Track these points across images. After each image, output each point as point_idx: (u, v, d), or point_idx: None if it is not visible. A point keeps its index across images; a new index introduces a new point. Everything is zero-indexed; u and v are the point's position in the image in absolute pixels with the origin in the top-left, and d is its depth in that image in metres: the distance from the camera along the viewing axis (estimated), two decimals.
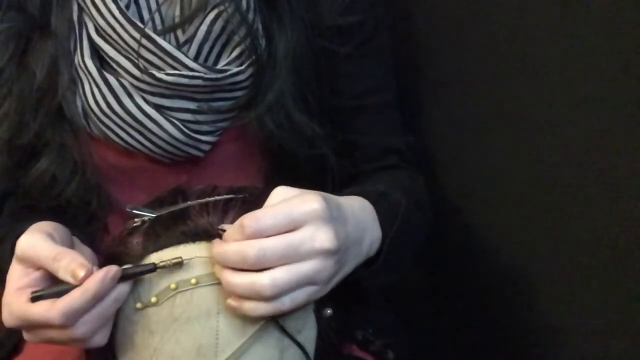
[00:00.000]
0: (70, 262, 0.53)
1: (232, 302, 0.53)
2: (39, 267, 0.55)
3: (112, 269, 0.53)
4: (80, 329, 0.53)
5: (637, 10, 0.56)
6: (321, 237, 0.52)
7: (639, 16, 0.56)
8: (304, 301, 0.53)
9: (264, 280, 0.51)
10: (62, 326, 0.52)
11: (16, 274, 0.56)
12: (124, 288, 0.55)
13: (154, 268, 0.54)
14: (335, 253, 0.53)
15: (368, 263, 0.63)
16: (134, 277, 0.55)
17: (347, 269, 0.58)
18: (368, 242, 0.62)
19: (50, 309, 0.52)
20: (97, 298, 0.52)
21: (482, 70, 0.78)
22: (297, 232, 0.52)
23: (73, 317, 0.52)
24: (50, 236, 0.57)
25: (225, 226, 0.55)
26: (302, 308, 0.55)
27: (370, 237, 0.62)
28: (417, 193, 0.78)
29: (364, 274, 0.63)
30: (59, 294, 0.53)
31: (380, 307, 0.85)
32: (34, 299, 0.53)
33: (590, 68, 0.62)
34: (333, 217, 0.54)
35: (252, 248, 0.51)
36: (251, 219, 0.52)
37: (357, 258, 0.60)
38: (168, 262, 0.54)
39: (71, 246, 0.59)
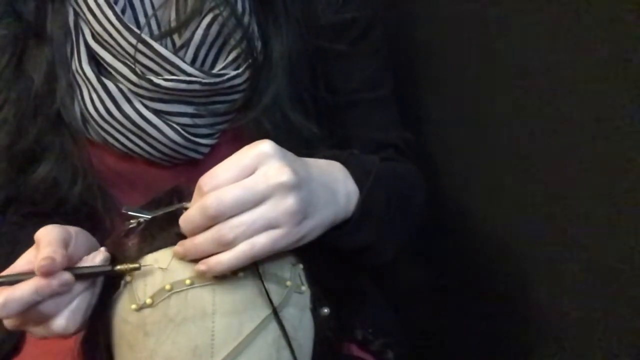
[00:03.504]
0: (42, 253, 0.52)
1: (200, 265, 0.53)
2: None
3: (63, 276, 0.52)
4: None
5: (637, 10, 0.56)
6: (274, 172, 0.52)
7: (637, 15, 0.56)
8: (268, 246, 0.52)
9: (223, 225, 0.51)
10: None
11: (21, 260, 0.55)
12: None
13: (110, 270, 0.55)
14: (294, 187, 0.52)
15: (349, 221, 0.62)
16: (90, 277, 0.55)
17: (322, 215, 0.57)
18: (343, 192, 0.61)
19: None
20: (40, 296, 0.51)
21: (482, 68, 0.78)
22: (251, 176, 0.52)
23: (10, 309, 0.51)
24: (67, 233, 0.56)
25: (188, 204, 0.56)
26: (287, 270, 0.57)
27: (345, 189, 0.61)
28: (408, 176, 0.77)
29: (345, 230, 0.61)
30: (12, 283, 0.52)
31: (380, 307, 0.85)
32: None
33: (589, 67, 0.63)
34: (287, 157, 0.54)
35: (209, 198, 0.51)
36: (205, 177, 0.53)
37: (332, 206, 0.59)
38: (125, 267, 0.55)
39: (86, 252, 0.57)
